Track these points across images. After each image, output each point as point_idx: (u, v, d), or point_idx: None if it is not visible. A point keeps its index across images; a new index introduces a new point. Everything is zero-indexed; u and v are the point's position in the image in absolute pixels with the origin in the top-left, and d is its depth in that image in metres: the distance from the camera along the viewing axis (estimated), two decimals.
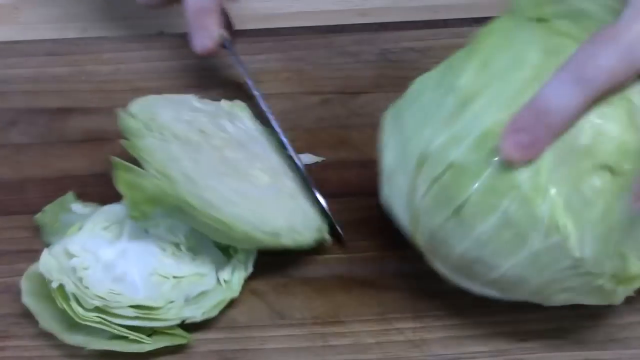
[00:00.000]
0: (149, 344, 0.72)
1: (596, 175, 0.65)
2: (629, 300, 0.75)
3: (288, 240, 0.76)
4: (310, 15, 1.01)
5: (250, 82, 0.88)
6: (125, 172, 0.73)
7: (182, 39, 0.98)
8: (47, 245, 0.77)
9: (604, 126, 0.65)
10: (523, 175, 0.65)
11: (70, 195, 0.81)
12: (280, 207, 0.78)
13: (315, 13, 1.00)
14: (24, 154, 0.87)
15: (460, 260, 0.69)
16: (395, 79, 0.94)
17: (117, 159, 0.73)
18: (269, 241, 0.75)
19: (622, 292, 0.69)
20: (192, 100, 0.85)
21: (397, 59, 0.96)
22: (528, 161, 0.65)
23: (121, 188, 0.73)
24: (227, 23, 0.91)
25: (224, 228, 0.73)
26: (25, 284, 0.74)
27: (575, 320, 0.75)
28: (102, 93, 0.92)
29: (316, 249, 0.80)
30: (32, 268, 0.75)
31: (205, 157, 0.78)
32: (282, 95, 0.89)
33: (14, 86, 0.93)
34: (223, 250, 0.78)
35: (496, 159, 0.65)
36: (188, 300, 0.74)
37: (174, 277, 0.75)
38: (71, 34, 0.99)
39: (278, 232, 0.76)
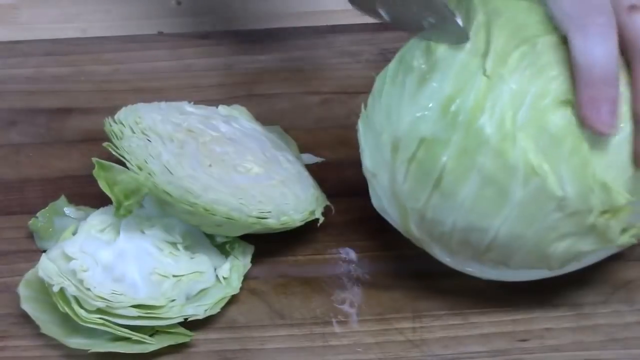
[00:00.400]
0: (152, 344, 0.72)
1: (558, 111, 0.66)
2: (628, 300, 0.76)
3: (274, 222, 0.76)
4: (310, 15, 1.01)
5: None
6: (104, 171, 0.75)
7: (182, 39, 0.98)
8: (42, 251, 0.77)
9: (550, 66, 0.67)
10: (489, 129, 0.66)
11: (62, 199, 0.81)
12: (269, 193, 0.78)
13: (315, 13, 1.00)
14: (23, 154, 0.87)
15: (453, 235, 0.70)
16: None
17: (97, 159, 0.75)
18: (253, 223, 0.76)
19: (616, 227, 0.68)
20: (184, 105, 0.85)
21: None
22: (618, 123, 0.66)
23: (102, 186, 0.75)
24: None
25: (205, 213, 0.74)
26: (23, 290, 0.74)
27: (574, 320, 0.75)
28: (102, 93, 0.92)
29: (317, 249, 0.80)
30: (30, 274, 0.75)
31: (189, 152, 0.79)
32: (282, 95, 0.89)
33: (13, 86, 0.93)
34: (220, 248, 0.78)
35: (460, 119, 0.67)
36: (189, 299, 0.75)
37: (174, 275, 0.75)
38: (71, 34, 0.99)
39: (262, 215, 0.76)
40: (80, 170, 0.85)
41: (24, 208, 0.82)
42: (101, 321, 0.71)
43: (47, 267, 0.73)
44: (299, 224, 0.78)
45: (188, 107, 0.85)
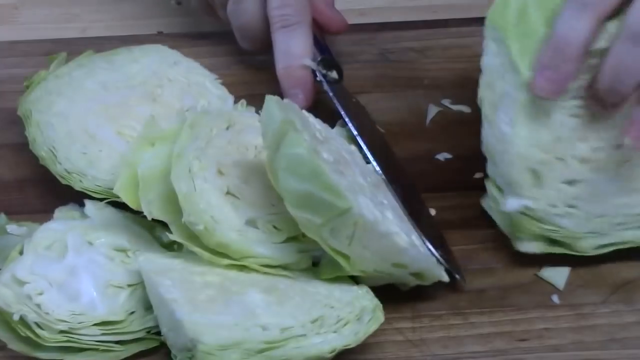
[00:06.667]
0: (122, 351, 0.71)
1: None
2: (627, 300, 0.76)
3: (86, 183, 0.79)
4: None
5: (349, 123, 0.84)
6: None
7: (182, 39, 0.98)
8: None
9: None
10: None
11: (2, 217, 0.80)
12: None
13: None
14: (23, 155, 0.87)
15: None
16: (395, 79, 0.94)
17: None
18: (64, 176, 0.79)
19: None
20: (206, 79, 0.88)
21: (396, 59, 0.96)
22: (560, 92, 0.70)
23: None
24: (332, 64, 0.89)
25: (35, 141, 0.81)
26: None
27: (574, 320, 0.75)
28: None
29: None
30: None
31: (119, 96, 0.84)
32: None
33: (13, 86, 0.93)
34: (168, 247, 0.76)
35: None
36: (149, 309, 0.73)
37: (128, 285, 0.74)
38: (71, 34, 0.99)
39: (80, 172, 0.79)
40: None
41: (24, 208, 0.82)
42: (65, 339, 0.70)
43: (4, 294, 0.71)
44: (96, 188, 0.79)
45: (208, 83, 0.88)
